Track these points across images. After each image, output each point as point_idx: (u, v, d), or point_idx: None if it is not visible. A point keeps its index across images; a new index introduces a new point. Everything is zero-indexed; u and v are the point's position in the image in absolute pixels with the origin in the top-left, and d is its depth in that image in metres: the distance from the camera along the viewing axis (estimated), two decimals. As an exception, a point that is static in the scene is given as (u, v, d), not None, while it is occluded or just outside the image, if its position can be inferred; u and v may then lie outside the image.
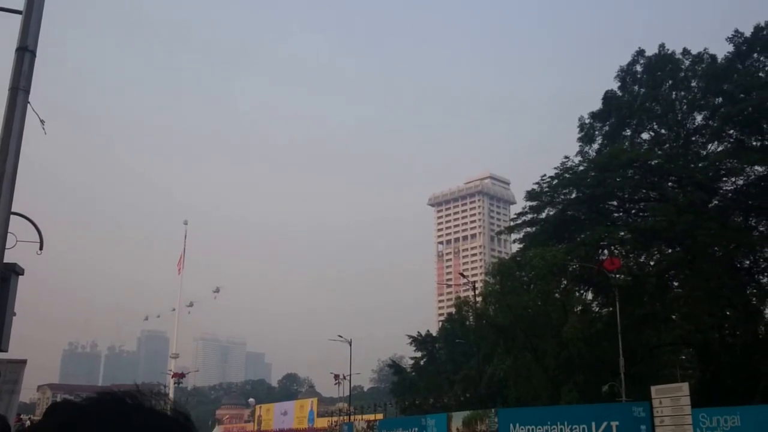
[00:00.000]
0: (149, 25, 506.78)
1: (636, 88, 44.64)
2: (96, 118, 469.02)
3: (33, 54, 6.74)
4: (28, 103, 6.53)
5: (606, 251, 39.12)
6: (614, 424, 27.79)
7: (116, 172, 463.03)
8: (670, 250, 40.04)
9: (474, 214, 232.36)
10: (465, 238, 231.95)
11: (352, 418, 76.58)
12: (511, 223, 48.65)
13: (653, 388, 27.54)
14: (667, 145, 42.78)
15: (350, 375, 72.85)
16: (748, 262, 40.24)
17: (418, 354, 74.57)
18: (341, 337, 68.96)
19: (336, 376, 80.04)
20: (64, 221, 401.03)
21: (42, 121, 7.03)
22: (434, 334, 76.56)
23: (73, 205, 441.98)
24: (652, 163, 39.20)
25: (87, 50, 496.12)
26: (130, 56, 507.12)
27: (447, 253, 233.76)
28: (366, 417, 78.17)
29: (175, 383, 71.60)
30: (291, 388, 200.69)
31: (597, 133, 45.67)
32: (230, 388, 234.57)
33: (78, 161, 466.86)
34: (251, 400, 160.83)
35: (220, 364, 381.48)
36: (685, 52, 43.45)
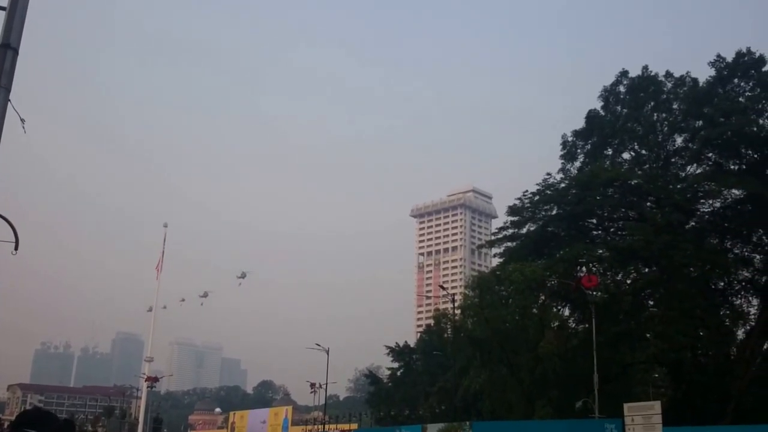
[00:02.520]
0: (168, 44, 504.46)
1: (618, 108, 45.17)
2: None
3: (15, 51, 6.70)
4: (9, 101, 6.50)
5: (584, 268, 39.45)
6: (587, 440, 27.99)
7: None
8: (646, 270, 40.46)
9: (456, 227, 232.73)
10: (446, 250, 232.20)
11: (327, 427, 76.28)
12: (492, 238, 48.90)
13: (626, 406, 27.81)
14: (647, 166, 43.29)
15: (326, 384, 72.45)
16: (722, 283, 40.77)
17: (396, 364, 74.49)
18: (319, 345, 68.64)
19: (312, 385, 79.53)
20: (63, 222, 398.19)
21: (22, 120, 7.00)
22: (412, 345, 76.55)
23: (79, 206, 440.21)
24: (632, 182, 39.66)
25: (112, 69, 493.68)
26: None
27: (427, 265, 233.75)
28: (341, 426, 77.94)
29: (148, 387, 70.59)
30: (266, 396, 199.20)
31: (579, 151, 46.08)
32: (204, 393, 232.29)
33: (86, 165, 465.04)
34: (217, 409, 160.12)
35: (195, 369, 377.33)
36: (668, 74, 44.11)
